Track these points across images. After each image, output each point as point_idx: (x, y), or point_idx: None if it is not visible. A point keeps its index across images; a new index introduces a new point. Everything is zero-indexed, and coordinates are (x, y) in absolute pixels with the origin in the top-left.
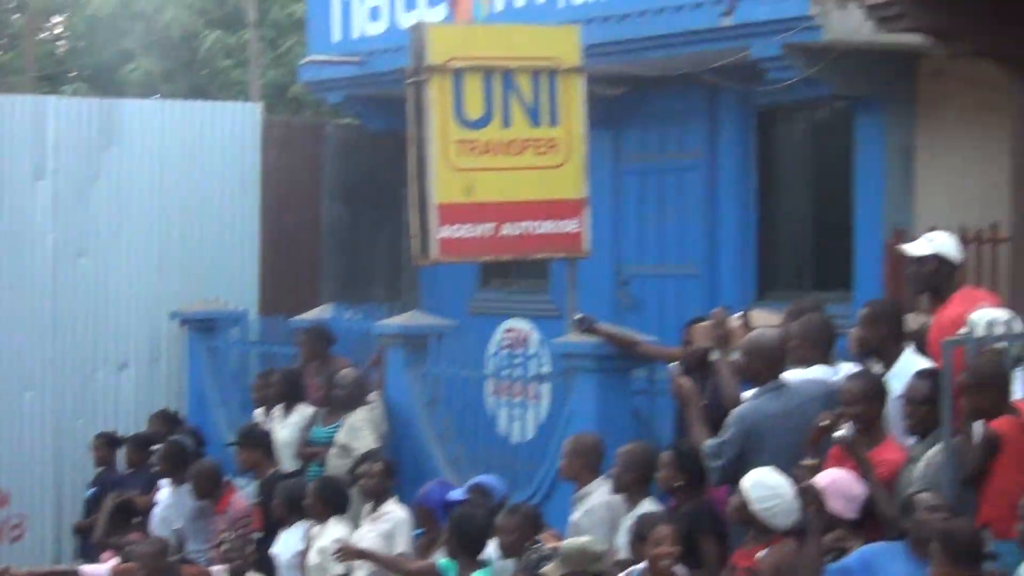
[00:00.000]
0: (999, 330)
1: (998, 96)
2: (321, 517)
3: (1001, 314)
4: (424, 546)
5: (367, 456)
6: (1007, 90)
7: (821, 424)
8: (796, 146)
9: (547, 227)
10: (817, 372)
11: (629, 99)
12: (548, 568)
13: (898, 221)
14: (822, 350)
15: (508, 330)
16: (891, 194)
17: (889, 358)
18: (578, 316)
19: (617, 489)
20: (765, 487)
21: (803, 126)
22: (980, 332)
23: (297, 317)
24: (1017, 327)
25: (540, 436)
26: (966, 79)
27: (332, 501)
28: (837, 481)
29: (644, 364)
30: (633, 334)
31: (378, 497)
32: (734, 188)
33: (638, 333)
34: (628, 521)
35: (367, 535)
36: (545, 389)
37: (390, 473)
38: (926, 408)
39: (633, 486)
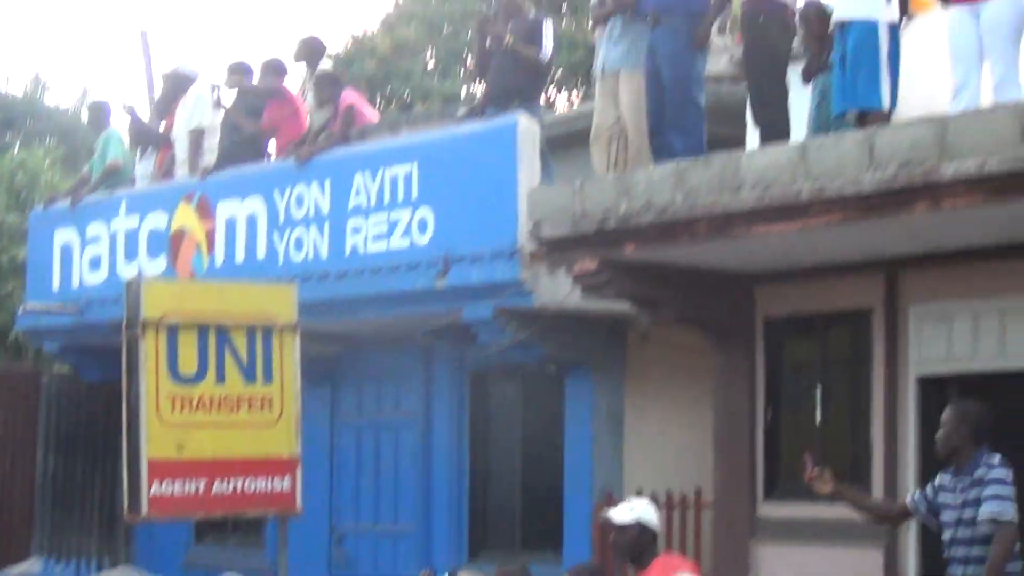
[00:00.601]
0: None
1: (702, 362)
2: None
3: None
4: None
5: None
6: (710, 356)
7: None
8: (508, 408)
9: (259, 485)
10: None
11: (347, 357)
12: None
13: (607, 485)
14: None
15: None
16: (600, 458)
17: None
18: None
19: None
20: None
21: (515, 388)
22: None
23: (3, 570)
24: None
25: None
26: (671, 345)
27: None
28: None
29: None
30: None
31: None
32: (447, 448)
33: None
34: None
35: None
36: None
37: None
38: None
39: None
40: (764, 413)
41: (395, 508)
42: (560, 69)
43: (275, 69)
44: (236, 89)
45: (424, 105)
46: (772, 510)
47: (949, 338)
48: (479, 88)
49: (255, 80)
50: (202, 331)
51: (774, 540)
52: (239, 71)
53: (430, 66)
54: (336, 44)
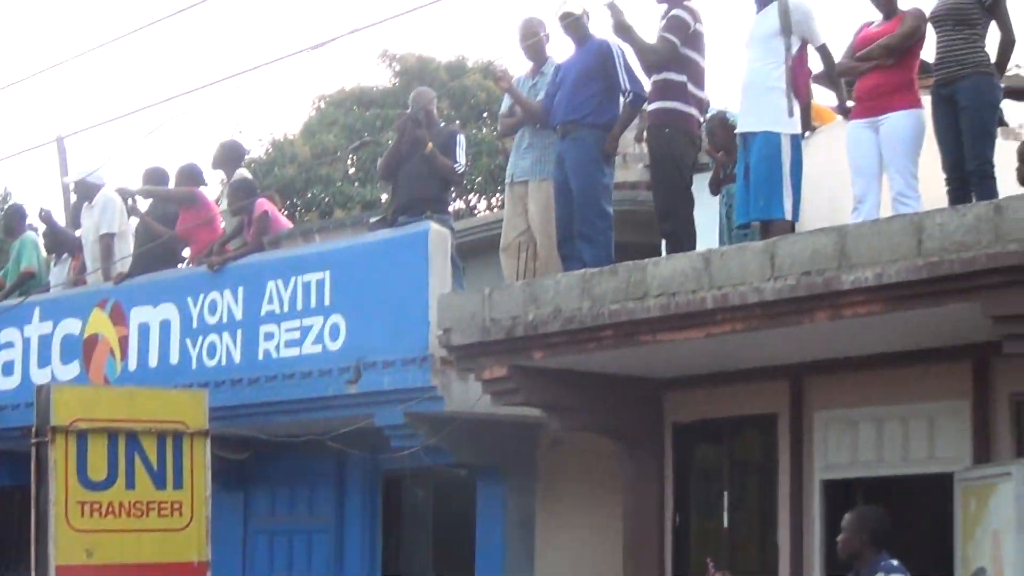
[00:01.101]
0: None
1: (612, 466)
2: None
3: None
4: None
5: None
6: (619, 460)
7: None
8: (420, 511)
9: None
10: None
11: (260, 461)
12: None
13: None
14: None
15: None
16: (511, 561)
17: None
18: None
19: None
20: None
21: (427, 492)
22: None
23: None
24: None
25: None
26: (582, 450)
27: None
28: None
29: None
30: None
31: None
32: (360, 552)
33: None
34: None
35: None
36: None
37: None
38: None
39: None
40: (673, 517)
41: None
42: (480, 176)
43: (190, 175)
44: (150, 195)
45: (344, 211)
46: None
47: (854, 443)
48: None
49: (171, 185)
50: (112, 437)
51: None
52: (154, 177)
53: (350, 172)
54: (256, 148)
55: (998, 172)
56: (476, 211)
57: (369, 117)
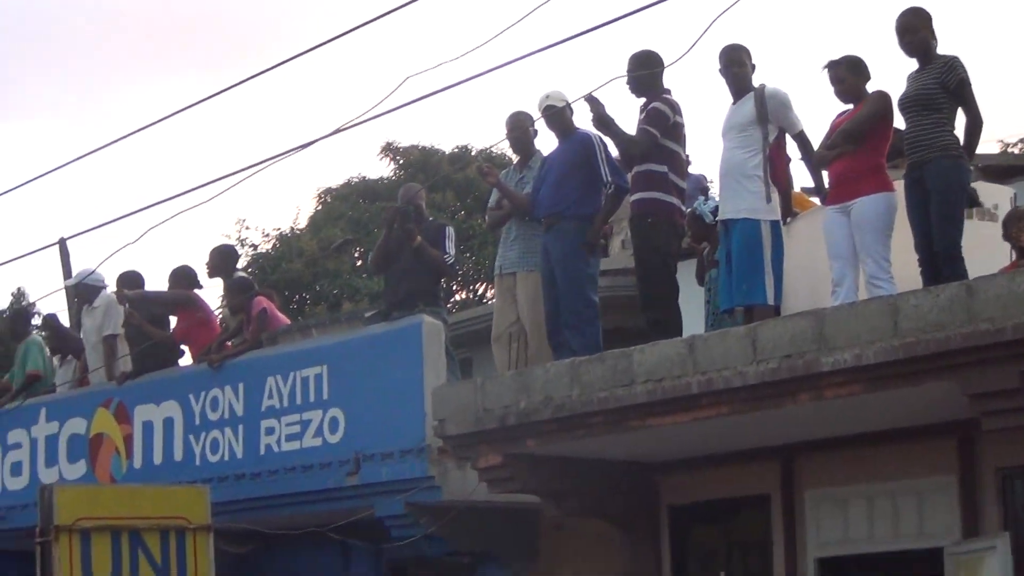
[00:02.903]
0: None
1: (611, 550)
2: None
3: None
4: None
5: None
6: (618, 544)
7: None
8: None
9: None
10: None
11: (266, 555)
12: None
13: None
14: None
15: None
16: None
17: None
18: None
19: None
20: None
21: None
22: None
23: None
24: None
25: None
26: (582, 534)
27: None
28: None
29: None
30: None
31: None
32: None
33: None
34: None
35: None
36: None
37: None
38: None
39: None
40: None
41: None
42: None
43: (185, 276)
44: (146, 300)
45: (352, 304)
46: None
47: (845, 520)
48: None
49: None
50: (115, 535)
51: None
52: (128, 282)
53: (358, 264)
54: (263, 243)
55: (972, 251)
56: (484, 300)
57: (375, 210)
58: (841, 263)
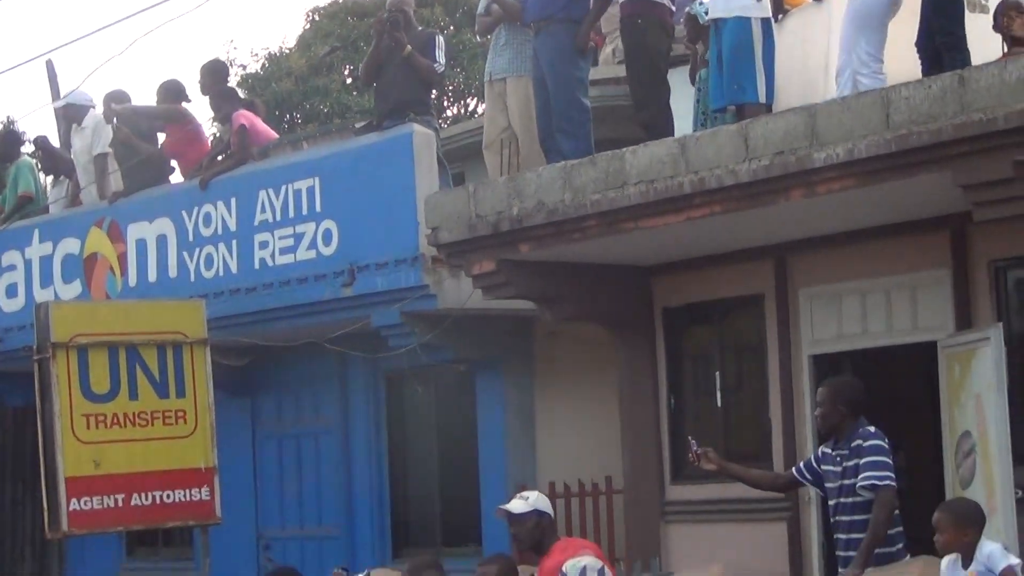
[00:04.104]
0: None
1: (606, 354)
2: None
3: (592, 562)
4: None
5: None
6: (613, 348)
7: None
8: (423, 409)
9: (178, 496)
10: None
11: (265, 369)
12: None
13: (522, 477)
14: None
15: None
16: (513, 452)
17: None
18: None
19: None
20: None
21: (428, 389)
22: None
23: None
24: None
25: None
26: (577, 339)
27: None
28: None
29: None
30: None
31: None
32: (367, 450)
33: None
34: None
35: None
36: None
37: None
38: None
39: None
40: (668, 400)
41: (319, 512)
42: (477, 80)
43: (173, 91)
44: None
45: (342, 121)
46: (680, 492)
47: (839, 317)
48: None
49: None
50: (112, 350)
51: (683, 521)
52: (116, 99)
53: (347, 81)
54: (251, 63)
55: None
56: (475, 115)
57: (364, 27)
58: (844, 53)
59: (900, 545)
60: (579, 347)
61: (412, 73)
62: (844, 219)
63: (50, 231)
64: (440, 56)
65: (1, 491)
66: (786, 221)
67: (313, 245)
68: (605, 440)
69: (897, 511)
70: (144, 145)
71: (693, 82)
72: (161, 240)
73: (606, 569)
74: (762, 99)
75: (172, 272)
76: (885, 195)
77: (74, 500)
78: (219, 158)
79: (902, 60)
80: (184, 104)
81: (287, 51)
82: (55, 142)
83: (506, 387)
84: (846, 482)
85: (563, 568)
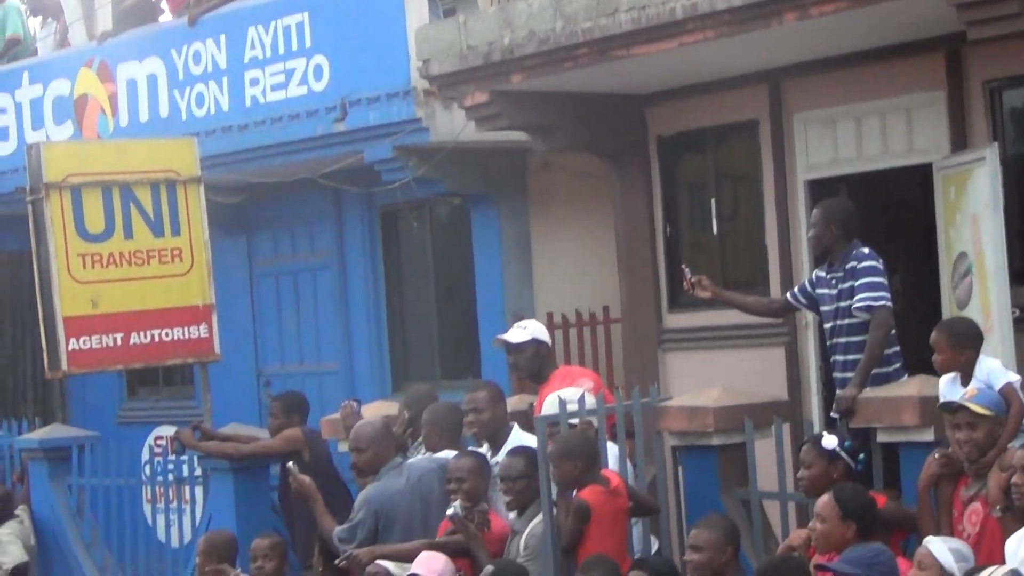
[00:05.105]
0: (572, 407)
1: (601, 184)
2: None
3: (572, 392)
4: None
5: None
6: (607, 178)
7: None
8: (419, 242)
9: (176, 334)
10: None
11: (259, 205)
12: None
13: (519, 309)
14: (450, 435)
15: (158, 438)
16: (510, 284)
17: (499, 438)
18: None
19: None
20: None
21: (423, 223)
22: (557, 408)
23: None
24: (590, 402)
25: (196, 539)
26: (571, 170)
27: None
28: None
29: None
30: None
31: None
32: (363, 286)
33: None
34: None
35: None
36: (200, 492)
37: None
38: (522, 483)
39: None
40: (663, 228)
41: (318, 348)
42: None
43: None
44: None
45: None
46: (677, 320)
47: (834, 141)
48: None
49: None
50: (106, 189)
51: (681, 348)
52: None
53: None
54: None
55: None
56: None
57: None
58: None
59: (897, 365)
60: (574, 178)
61: None
62: (838, 42)
63: (40, 73)
64: None
65: (2, 334)
66: (780, 46)
67: (304, 81)
68: (602, 270)
69: (894, 331)
70: None
71: None
72: (151, 79)
73: (591, 396)
74: None
75: (163, 111)
76: (879, 16)
77: (73, 340)
78: None
79: None
80: None
81: None
82: None
83: (501, 219)
84: (842, 304)
85: (548, 399)
